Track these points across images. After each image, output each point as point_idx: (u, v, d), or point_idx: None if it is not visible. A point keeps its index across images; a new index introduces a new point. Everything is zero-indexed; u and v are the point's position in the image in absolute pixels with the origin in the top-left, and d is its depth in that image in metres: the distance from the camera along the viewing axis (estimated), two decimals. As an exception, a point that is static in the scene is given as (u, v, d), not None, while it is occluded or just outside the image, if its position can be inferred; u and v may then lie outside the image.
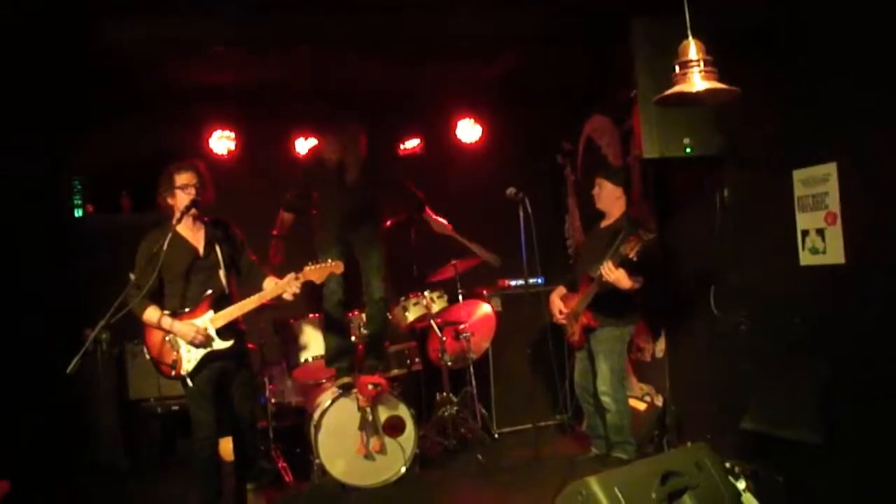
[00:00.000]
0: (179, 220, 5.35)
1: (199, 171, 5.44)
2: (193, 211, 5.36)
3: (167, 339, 5.30)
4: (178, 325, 5.25)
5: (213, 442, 5.41)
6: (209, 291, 5.37)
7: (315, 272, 5.48)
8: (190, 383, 5.28)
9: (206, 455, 5.38)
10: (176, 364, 5.26)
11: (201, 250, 5.44)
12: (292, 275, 5.43)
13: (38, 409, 7.03)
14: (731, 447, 5.46)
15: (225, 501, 5.66)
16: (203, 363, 5.30)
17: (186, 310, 5.34)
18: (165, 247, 5.17)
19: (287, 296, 5.45)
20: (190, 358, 5.28)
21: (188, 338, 5.24)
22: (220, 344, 5.33)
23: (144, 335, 5.43)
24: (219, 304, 5.37)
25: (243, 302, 5.40)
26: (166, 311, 5.32)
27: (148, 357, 5.45)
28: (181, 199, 5.38)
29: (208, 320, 5.32)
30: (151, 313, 5.27)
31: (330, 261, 5.56)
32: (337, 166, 6.53)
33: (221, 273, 5.46)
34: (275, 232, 6.81)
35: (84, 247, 7.76)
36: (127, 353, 7.48)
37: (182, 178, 5.39)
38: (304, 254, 6.29)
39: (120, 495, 6.66)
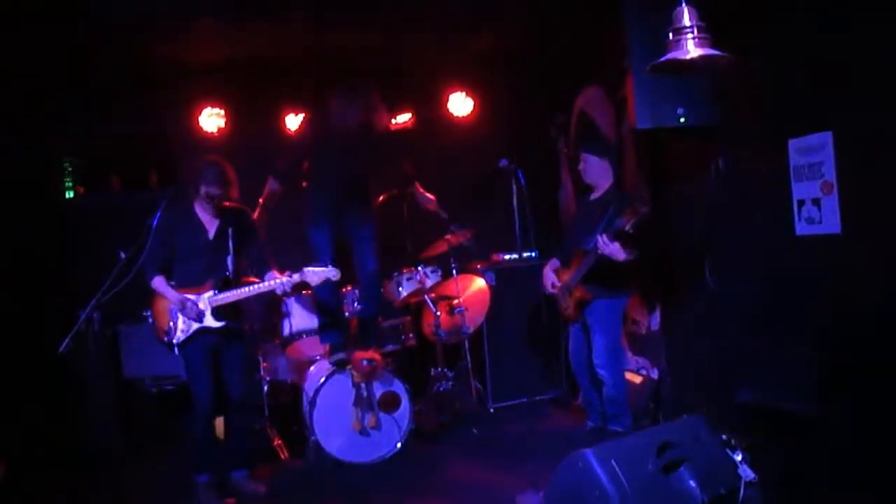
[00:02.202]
0: (193, 204, 5.77)
1: (226, 182, 5.71)
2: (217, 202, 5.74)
3: (169, 307, 5.67)
4: (176, 296, 5.60)
5: (208, 419, 5.80)
6: (213, 272, 5.70)
7: (312, 275, 5.72)
8: (176, 351, 5.68)
9: (202, 431, 5.80)
10: (170, 331, 5.65)
11: (212, 234, 5.77)
12: (287, 273, 5.71)
13: (33, 390, 7.00)
14: (727, 419, 5.43)
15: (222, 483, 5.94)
16: (194, 336, 5.65)
17: (190, 285, 5.68)
18: (179, 222, 5.71)
19: (278, 291, 5.77)
20: (184, 329, 5.64)
21: (181, 308, 5.58)
22: (212, 322, 5.64)
23: (152, 300, 5.78)
24: (221, 286, 5.68)
25: (241, 290, 5.70)
26: (172, 283, 5.69)
27: (150, 321, 5.89)
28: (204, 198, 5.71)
29: (207, 299, 5.64)
30: (158, 281, 5.66)
31: (329, 266, 5.77)
32: (351, 120, 6.38)
33: (228, 258, 5.73)
34: (261, 200, 6.65)
35: (75, 227, 7.72)
36: (121, 333, 7.45)
37: (210, 190, 5.65)
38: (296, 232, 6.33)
39: (115, 475, 6.64)
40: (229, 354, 5.85)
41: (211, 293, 5.64)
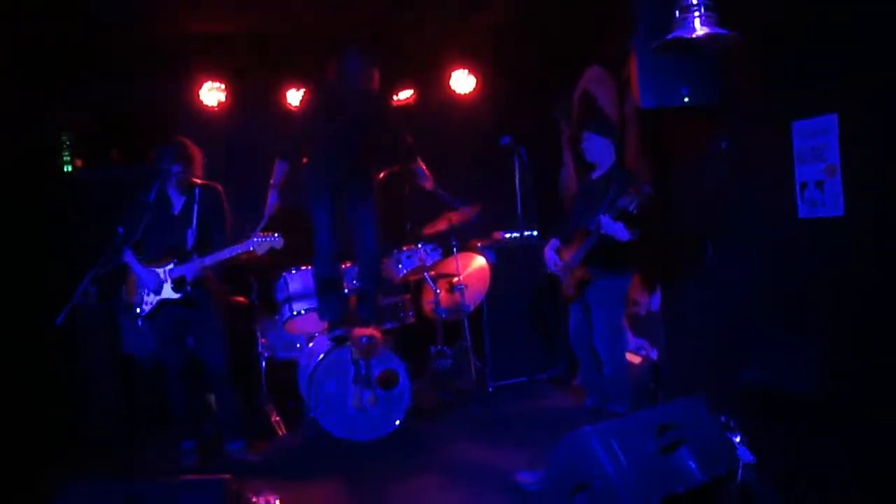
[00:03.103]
0: (165, 183, 5.95)
1: (186, 158, 5.95)
2: (181, 178, 5.96)
3: (137, 281, 5.95)
4: (139, 268, 5.88)
5: (180, 383, 6.08)
6: (174, 246, 5.92)
7: (258, 244, 5.86)
8: (140, 323, 5.97)
9: (177, 401, 6.12)
10: (137, 303, 5.93)
11: (177, 209, 6.00)
12: (240, 243, 5.89)
13: (31, 363, 6.99)
14: (727, 401, 5.43)
15: (210, 451, 6.22)
16: (159, 308, 5.90)
17: (154, 259, 5.92)
18: (150, 199, 5.81)
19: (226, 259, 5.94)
20: (150, 301, 5.90)
21: (144, 282, 5.87)
22: (170, 293, 5.88)
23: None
24: (180, 257, 5.89)
25: (195, 261, 5.85)
26: (141, 258, 5.92)
27: (125, 296, 6.10)
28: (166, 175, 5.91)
29: (167, 271, 5.88)
30: (127, 255, 5.87)
31: (276, 235, 5.91)
32: (356, 83, 6.34)
33: (189, 231, 5.94)
34: (272, 181, 6.61)
35: (74, 201, 7.69)
36: (118, 307, 7.44)
37: (170, 167, 5.87)
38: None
39: (111, 449, 6.66)
40: (199, 326, 6.06)
41: (170, 265, 5.87)
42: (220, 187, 6.14)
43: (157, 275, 5.85)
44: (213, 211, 6.05)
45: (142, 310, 5.90)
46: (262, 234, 5.89)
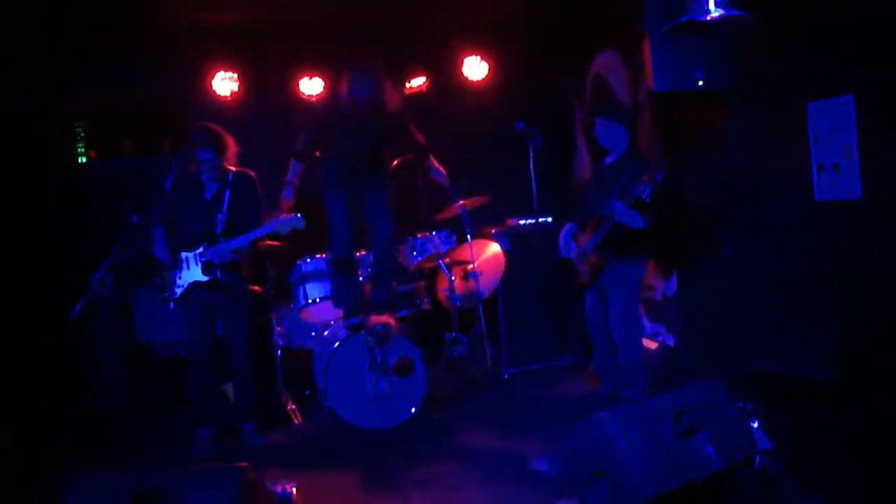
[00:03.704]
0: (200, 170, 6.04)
1: (215, 143, 5.99)
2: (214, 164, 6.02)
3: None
4: (157, 248, 6.02)
5: (202, 369, 6.11)
6: (205, 230, 5.98)
7: (280, 225, 5.90)
8: (172, 305, 6.02)
9: (199, 387, 6.14)
10: (170, 287, 6.00)
11: (209, 194, 6.07)
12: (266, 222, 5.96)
13: (46, 353, 7.03)
14: (743, 386, 5.41)
15: (225, 439, 6.25)
16: (188, 291, 5.97)
17: (187, 244, 6.01)
18: (185, 187, 6.03)
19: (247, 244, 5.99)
20: (181, 283, 5.97)
21: (159, 256, 6.00)
22: (199, 276, 5.95)
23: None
24: (210, 241, 5.95)
25: (224, 244, 5.93)
26: (175, 243, 6.03)
27: (158, 282, 6.12)
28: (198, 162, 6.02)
29: (196, 255, 5.95)
30: (158, 232, 6.04)
31: (298, 215, 5.96)
32: (362, 102, 6.32)
33: (220, 216, 5.99)
34: (287, 178, 6.59)
35: (88, 192, 7.71)
36: (134, 297, 7.47)
37: (202, 154, 5.95)
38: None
39: (127, 440, 6.67)
40: (228, 314, 6.16)
41: (201, 249, 5.95)
42: (253, 174, 6.22)
43: (187, 258, 5.95)
44: (247, 197, 6.12)
45: (173, 293, 5.97)
46: (284, 215, 5.92)
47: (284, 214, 5.93)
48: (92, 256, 5.84)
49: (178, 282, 5.96)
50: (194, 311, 6.05)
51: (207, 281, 5.93)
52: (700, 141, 6.40)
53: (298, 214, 5.92)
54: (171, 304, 6.02)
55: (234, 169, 6.13)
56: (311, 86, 8.35)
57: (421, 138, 6.72)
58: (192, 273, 5.94)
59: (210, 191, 6.07)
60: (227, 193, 6.01)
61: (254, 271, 6.58)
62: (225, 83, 8.18)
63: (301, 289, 7.15)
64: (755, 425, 4.45)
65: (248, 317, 6.24)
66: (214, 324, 6.17)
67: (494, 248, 7.70)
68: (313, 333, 7.29)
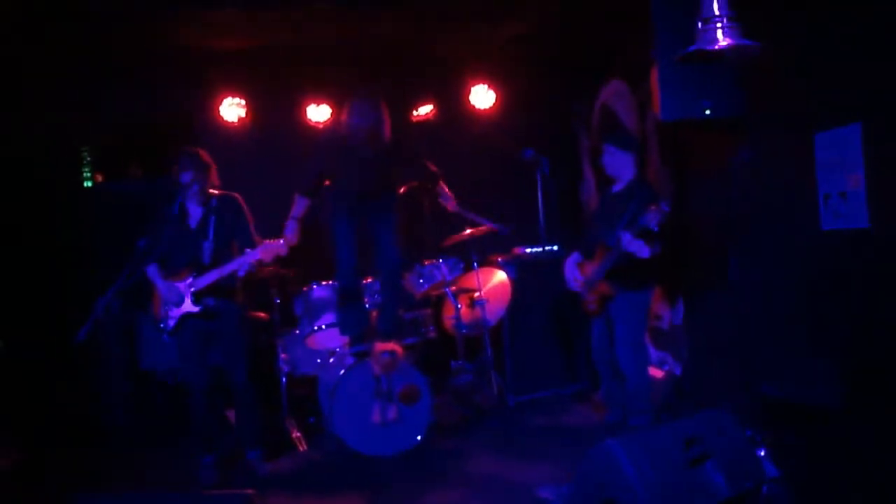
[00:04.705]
0: (184, 196, 5.96)
1: (199, 166, 5.94)
2: (196, 189, 5.95)
3: (162, 296, 5.99)
4: (161, 283, 5.95)
5: (202, 398, 6.04)
6: (193, 259, 5.95)
7: (264, 251, 5.82)
8: (166, 338, 5.99)
9: (200, 415, 6.08)
10: (163, 318, 5.96)
11: (194, 222, 6.02)
12: (248, 252, 5.89)
13: (52, 378, 7.03)
14: (750, 414, 5.40)
15: (229, 466, 6.20)
16: (182, 322, 5.93)
17: (175, 273, 5.96)
18: (171, 214, 5.92)
19: (240, 272, 5.93)
20: (173, 316, 5.93)
21: (165, 296, 5.93)
22: (190, 307, 5.90)
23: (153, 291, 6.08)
24: (198, 271, 5.91)
25: (211, 273, 5.87)
26: (164, 272, 5.99)
27: (151, 311, 6.12)
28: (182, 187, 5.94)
29: (186, 285, 5.89)
30: (151, 270, 5.97)
31: (282, 241, 5.93)
32: (358, 131, 6.33)
33: (206, 244, 5.96)
34: (292, 214, 6.55)
35: (95, 216, 7.73)
36: (138, 321, 7.48)
37: (185, 178, 5.88)
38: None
39: (131, 464, 6.65)
40: (223, 340, 6.09)
41: (189, 279, 5.89)
42: (237, 195, 6.14)
43: (178, 289, 5.88)
44: (233, 220, 6.07)
45: (167, 325, 5.93)
46: (267, 241, 5.86)
47: (267, 241, 5.86)
48: (98, 280, 5.83)
49: (171, 313, 5.92)
50: (188, 340, 6.00)
51: (199, 311, 5.90)
52: (707, 169, 6.42)
53: (281, 241, 5.89)
54: (165, 337, 5.99)
55: (216, 193, 6.08)
56: (319, 112, 8.41)
57: (432, 166, 6.74)
58: (183, 304, 5.90)
59: (195, 218, 6.02)
60: (213, 220, 5.98)
61: (257, 297, 6.58)
62: (232, 109, 8.23)
63: (307, 315, 7.13)
64: (762, 453, 4.43)
65: (245, 342, 6.18)
66: (208, 352, 6.10)
67: (501, 276, 7.72)
68: (319, 360, 7.28)
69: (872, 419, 4.74)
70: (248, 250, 5.82)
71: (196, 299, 5.88)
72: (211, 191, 6.04)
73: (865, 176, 4.75)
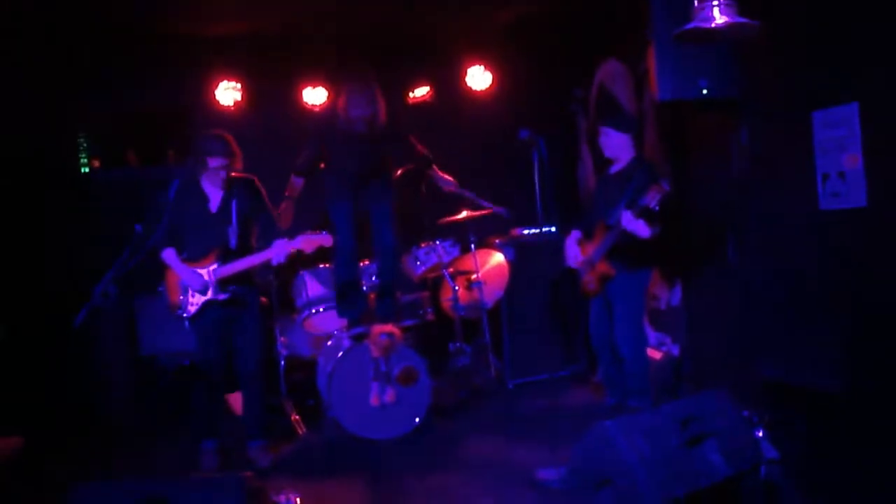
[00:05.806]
0: (203, 178, 5.83)
1: (232, 153, 5.78)
2: (223, 175, 5.81)
3: (180, 281, 5.78)
4: (183, 269, 5.73)
5: (215, 390, 5.97)
6: (216, 244, 5.77)
7: (306, 242, 5.74)
8: (187, 325, 5.84)
9: (208, 401, 5.96)
10: (182, 305, 5.79)
11: (215, 205, 5.83)
12: (283, 241, 5.73)
13: (50, 365, 7.03)
14: (749, 395, 5.39)
15: (230, 452, 6.08)
16: (204, 310, 5.77)
17: (197, 258, 5.78)
18: (186, 196, 5.81)
19: (274, 261, 5.80)
20: (194, 303, 5.76)
21: (187, 283, 5.73)
22: (216, 294, 5.74)
23: (166, 275, 5.90)
24: (224, 257, 5.75)
25: (241, 261, 5.74)
26: (183, 256, 5.79)
27: (165, 296, 5.96)
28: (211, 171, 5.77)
29: (211, 271, 5.72)
30: (168, 254, 5.77)
31: (325, 233, 5.82)
32: (357, 121, 6.27)
33: (230, 229, 5.80)
34: (287, 193, 6.62)
35: (92, 202, 7.71)
36: (137, 307, 7.47)
37: (214, 163, 5.71)
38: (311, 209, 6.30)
39: (131, 450, 6.65)
40: (241, 327, 5.92)
41: (214, 265, 5.74)
42: (254, 177, 6.04)
43: (201, 276, 5.71)
44: (255, 203, 5.96)
45: (186, 311, 5.78)
46: (310, 232, 5.79)
47: (310, 231, 5.78)
48: (95, 266, 5.80)
49: (192, 300, 5.76)
50: (209, 329, 5.83)
51: (225, 299, 5.75)
52: (705, 149, 6.39)
53: (325, 232, 5.82)
54: (186, 324, 5.82)
55: (233, 175, 5.90)
56: (315, 95, 8.38)
57: (423, 149, 6.73)
58: (209, 292, 5.73)
59: (214, 201, 5.83)
60: (234, 203, 5.82)
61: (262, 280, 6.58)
62: (228, 93, 8.20)
63: (305, 299, 7.12)
64: (760, 434, 4.42)
65: (261, 329, 6.11)
66: (228, 338, 5.92)
67: (498, 257, 7.70)
68: (317, 343, 7.28)
69: (871, 401, 4.74)
70: (285, 240, 5.71)
71: (222, 287, 5.75)
72: (231, 174, 5.90)
73: (864, 155, 4.73)
